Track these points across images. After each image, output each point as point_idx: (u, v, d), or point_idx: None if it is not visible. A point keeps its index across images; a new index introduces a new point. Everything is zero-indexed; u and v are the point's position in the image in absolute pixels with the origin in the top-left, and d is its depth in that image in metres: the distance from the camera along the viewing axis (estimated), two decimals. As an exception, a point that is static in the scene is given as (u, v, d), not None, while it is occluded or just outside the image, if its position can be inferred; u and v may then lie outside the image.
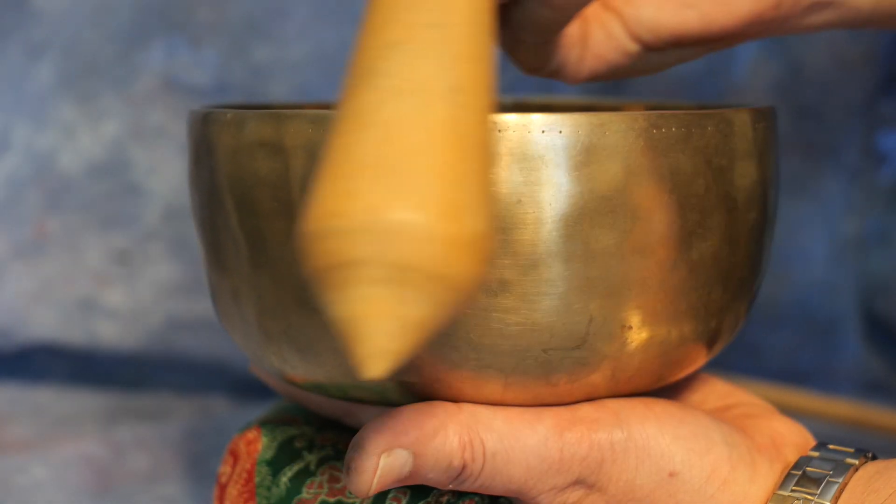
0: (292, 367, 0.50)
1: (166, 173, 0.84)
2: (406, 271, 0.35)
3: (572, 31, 0.55)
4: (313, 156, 0.46)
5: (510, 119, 0.45)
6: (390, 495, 0.51)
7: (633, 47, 0.56)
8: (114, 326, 0.83)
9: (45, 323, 0.84)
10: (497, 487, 0.48)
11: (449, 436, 0.46)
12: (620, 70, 0.56)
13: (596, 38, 0.56)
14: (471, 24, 0.40)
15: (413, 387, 0.48)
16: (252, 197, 0.49)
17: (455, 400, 0.48)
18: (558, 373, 0.48)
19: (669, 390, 0.53)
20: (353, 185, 0.36)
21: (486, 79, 0.39)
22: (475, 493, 0.51)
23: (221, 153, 0.50)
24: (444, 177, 0.37)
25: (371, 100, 0.38)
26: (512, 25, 0.53)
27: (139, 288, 0.83)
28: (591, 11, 0.55)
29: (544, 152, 0.45)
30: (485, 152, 0.38)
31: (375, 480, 0.46)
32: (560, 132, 0.45)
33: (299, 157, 0.47)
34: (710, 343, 0.51)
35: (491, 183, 0.43)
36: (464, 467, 0.47)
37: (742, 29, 0.55)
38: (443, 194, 0.36)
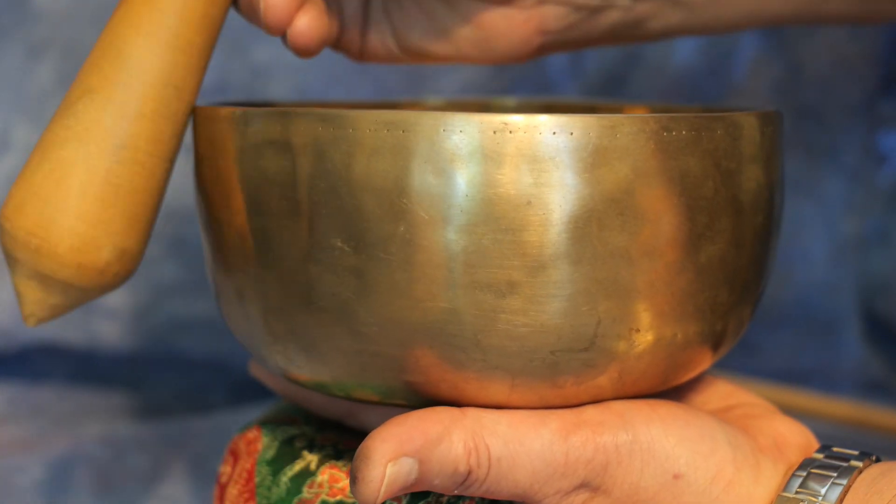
0: (297, 367, 0.50)
1: (166, 173, 0.84)
2: (45, 278, 0.51)
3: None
4: (322, 155, 0.46)
5: (520, 120, 0.45)
6: (391, 495, 0.51)
7: (402, 56, 0.60)
8: (114, 326, 0.83)
9: (45, 323, 0.84)
10: (503, 492, 0.48)
11: (454, 442, 0.46)
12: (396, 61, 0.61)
13: (372, 42, 0.60)
14: (157, 84, 0.51)
15: (419, 387, 0.48)
16: (259, 196, 0.48)
17: (460, 401, 0.48)
18: (565, 375, 0.48)
19: (673, 391, 0.53)
20: (23, 202, 0.51)
21: (161, 135, 0.52)
22: (476, 494, 0.51)
23: (228, 151, 0.50)
24: (83, 217, 0.50)
25: (58, 136, 0.51)
26: None
27: (139, 288, 0.83)
28: (372, 18, 0.60)
29: (554, 154, 0.45)
30: (138, 199, 0.51)
31: (382, 489, 0.46)
32: (571, 134, 0.45)
33: (307, 156, 0.47)
34: (715, 345, 0.51)
35: (147, 222, 0.53)
36: (469, 473, 0.47)
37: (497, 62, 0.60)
38: (78, 231, 0.50)
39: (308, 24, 0.54)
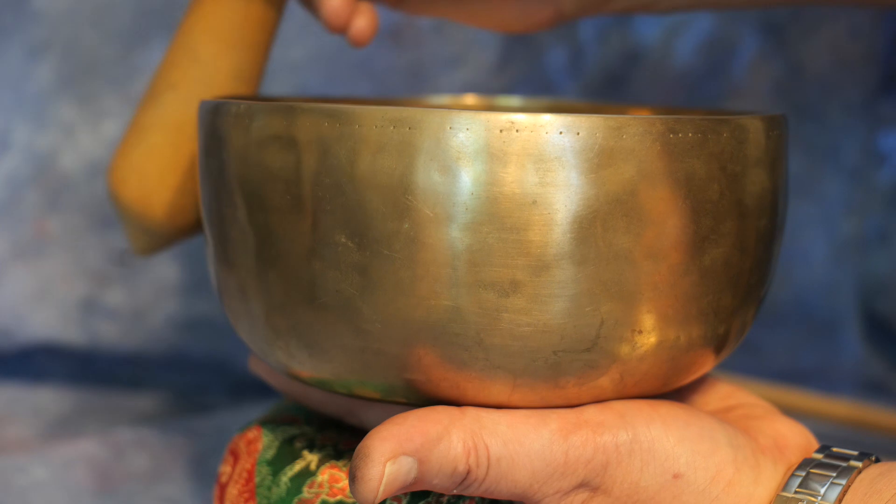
0: (299, 363, 0.50)
1: (166, 173, 0.84)
2: (148, 230, 0.62)
3: None
4: (326, 151, 0.46)
5: (526, 119, 0.45)
6: (391, 495, 0.51)
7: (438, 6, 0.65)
8: (114, 326, 0.83)
9: (45, 323, 0.84)
10: (502, 492, 0.47)
11: (453, 441, 0.46)
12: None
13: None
14: (228, 79, 0.61)
15: (420, 385, 0.48)
16: (263, 191, 0.48)
17: (462, 400, 0.48)
18: (567, 375, 0.48)
19: (673, 391, 0.53)
20: (125, 177, 0.62)
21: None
22: (477, 495, 0.51)
23: (232, 146, 0.49)
24: (174, 189, 0.61)
25: (148, 123, 0.61)
26: None
27: (139, 288, 0.83)
28: None
29: (560, 154, 0.45)
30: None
31: (381, 489, 0.46)
32: (577, 134, 0.45)
33: (312, 152, 0.47)
34: (718, 348, 0.51)
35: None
36: (468, 472, 0.47)
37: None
38: (171, 200, 0.61)
39: (364, 24, 0.61)
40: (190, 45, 0.62)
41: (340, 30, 0.61)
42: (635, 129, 0.46)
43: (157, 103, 0.62)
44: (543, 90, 0.86)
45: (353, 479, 0.46)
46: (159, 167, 0.61)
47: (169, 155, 0.61)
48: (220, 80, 0.61)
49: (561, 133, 0.45)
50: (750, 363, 0.84)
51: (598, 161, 0.45)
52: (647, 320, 0.47)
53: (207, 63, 0.61)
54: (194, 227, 0.63)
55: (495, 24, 0.64)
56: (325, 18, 0.60)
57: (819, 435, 0.52)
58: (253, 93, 0.62)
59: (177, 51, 0.62)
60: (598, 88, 0.86)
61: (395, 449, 0.46)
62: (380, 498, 0.46)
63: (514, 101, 0.69)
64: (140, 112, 0.62)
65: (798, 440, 0.51)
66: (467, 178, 0.45)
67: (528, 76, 0.85)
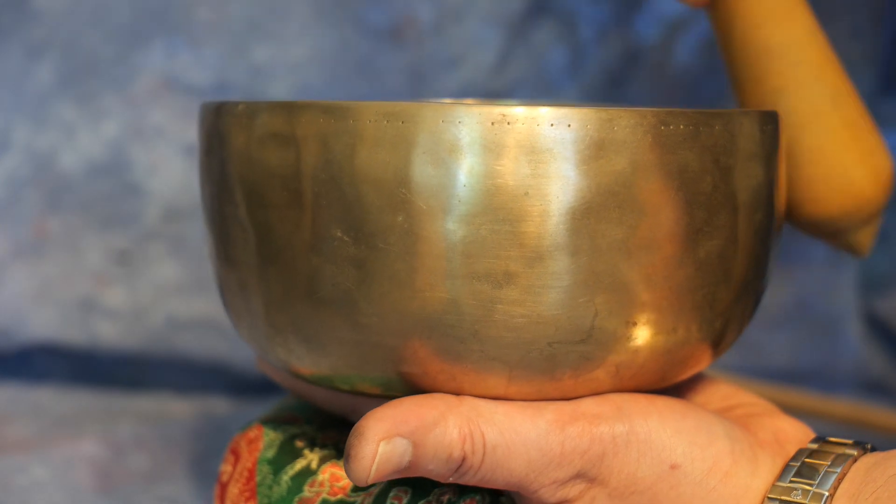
0: (299, 359, 0.50)
1: (166, 173, 0.84)
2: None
3: None
4: (325, 145, 0.47)
5: (519, 112, 0.45)
6: (391, 494, 0.51)
7: None
8: (114, 326, 0.83)
9: (45, 323, 0.84)
10: (498, 481, 0.48)
11: (449, 427, 0.47)
12: None
13: None
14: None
15: (417, 378, 0.48)
16: (262, 188, 0.49)
17: (459, 392, 0.48)
18: (563, 367, 0.48)
19: (673, 391, 0.54)
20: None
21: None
22: (476, 492, 0.51)
23: (232, 144, 0.50)
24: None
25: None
26: None
27: (139, 288, 0.83)
28: None
29: (553, 146, 0.45)
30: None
31: (374, 468, 0.46)
32: (569, 126, 0.45)
33: (311, 148, 0.47)
34: (715, 343, 0.51)
35: None
36: (464, 459, 0.47)
37: None
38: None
39: None
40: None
41: None
42: (627, 121, 0.46)
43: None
44: (543, 90, 0.86)
45: (346, 457, 0.46)
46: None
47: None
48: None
49: (552, 125, 0.45)
50: (750, 363, 0.84)
51: (590, 153, 0.46)
52: (642, 312, 0.48)
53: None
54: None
55: None
56: None
57: (818, 434, 0.52)
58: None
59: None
60: (598, 88, 0.86)
61: (390, 429, 0.46)
62: (372, 477, 0.46)
63: (511, 102, 0.69)
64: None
65: (798, 436, 0.51)
66: (461, 171, 0.45)
67: (528, 76, 0.85)
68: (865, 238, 0.60)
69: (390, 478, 0.47)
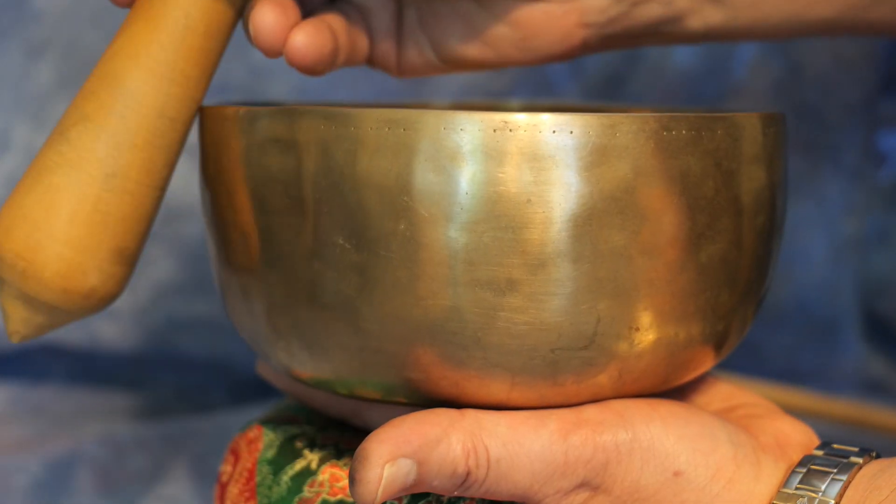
0: (300, 364, 0.50)
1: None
2: (31, 299, 0.52)
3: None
4: (326, 152, 0.47)
5: (521, 119, 0.45)
6: (391, 494, 0.51)
7: (442, 66, 0.60)
8: (114, 326, 0.83)
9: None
10: (502, 493, 0.48)
11: (452, 443, 0.47)
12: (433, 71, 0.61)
13: (409, 54, 0.59)
14: (152, 115, 0.51)
15: (420, 384, 0.48)
16: (263, 193, 0.49)
17: (461, 399, 0.49)
18: (565, 373, 0.48)
19: (675, 392, 0.54)
20: (12, 225, 0.51)
21: (153, 165, 0.52)
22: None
23: (233, 150, 0.50)
24: (71, 244, 0.51)
25: (51, 161, 0.51)
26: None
27: (139, 288, 0.83)
28: (406, 30, 0.59)
29: (554, 152, 0.45)
30: (126, 226, 0.52)
31: (380, 491, 0.46)
32: (571, 132, 0.45)
33: (312, 154, 0.47)
34: (717, 346, 0.51)
35: (135, 248, 0.53)
36: (468, 474, 0.47)
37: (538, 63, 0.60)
38: (65, 257, 0.51)
39: (304, 41, 0.54)
40: (112, 73, 0.52)
41: (274, 50, 0.54)
42: (628, 126, 0.46)
43: (62, 139, 0.52)
44: (543, 91, 0.86)
45: (352, 481, 0.46)
46: (54, 214, 0.51)
47: (69, 200, 0.51)
48: (143, 115, 0.51)
49: (554, 132, 0.45)
50: (750, 363, 0.84)
51: (593, 159, 0.46)
52: (645, 317, 0.48)
53: (129, 95, 0.51)
54: (93, 299, 0.53)
55: (520, 55, 0.60)
56: (254, 40, 0.54)
57: (820, 435, 0.52)
58: (182, 135, 0.53)
59: (95, 79, 0.52)
60: (598, 89, 0.86)
61: (394, 451, 0.46)
62: (379, 500, 0.46)
63: (514, 104, 0.69)
64: (42, 150, 0.52)
65: (800, 438, 0.51)
66: (463, 178, 0.45)
67: (528, 77, 0.85)
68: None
69: (396, 496, 0.47)
